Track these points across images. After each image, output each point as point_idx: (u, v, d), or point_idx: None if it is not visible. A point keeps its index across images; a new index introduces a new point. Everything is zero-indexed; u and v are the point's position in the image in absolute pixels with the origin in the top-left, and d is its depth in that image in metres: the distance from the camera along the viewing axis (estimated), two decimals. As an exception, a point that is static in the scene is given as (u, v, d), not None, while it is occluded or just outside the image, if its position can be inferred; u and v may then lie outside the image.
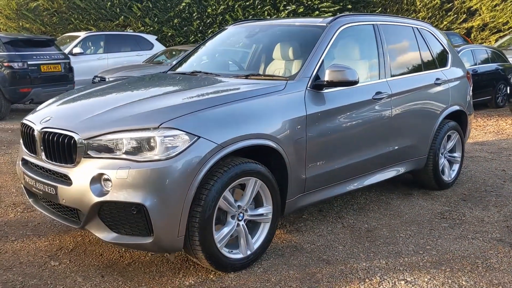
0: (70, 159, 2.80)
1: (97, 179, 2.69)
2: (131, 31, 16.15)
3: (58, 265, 3.14)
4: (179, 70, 4.31)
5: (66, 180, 2.82)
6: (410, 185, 4.94)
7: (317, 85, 3.43)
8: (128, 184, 2.61)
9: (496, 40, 16.32)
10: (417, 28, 4.72)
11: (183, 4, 16.72)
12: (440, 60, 4.87)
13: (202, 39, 16.89)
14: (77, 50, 11.70)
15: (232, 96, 3.09)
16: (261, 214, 3.14)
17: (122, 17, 16.85)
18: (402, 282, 2.94)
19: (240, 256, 3.03)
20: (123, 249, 3.34)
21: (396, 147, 4.17)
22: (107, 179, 2.66)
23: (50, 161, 2.93)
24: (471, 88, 5.33)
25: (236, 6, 16.68)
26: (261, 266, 3.14)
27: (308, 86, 3.40)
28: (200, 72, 3.99)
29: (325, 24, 3.80)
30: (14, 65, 8.78)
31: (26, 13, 16.42)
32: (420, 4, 17.23)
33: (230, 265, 2.98)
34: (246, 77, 3.65)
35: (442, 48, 4.99)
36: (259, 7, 16.74)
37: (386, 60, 4.11)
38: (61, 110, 3.23)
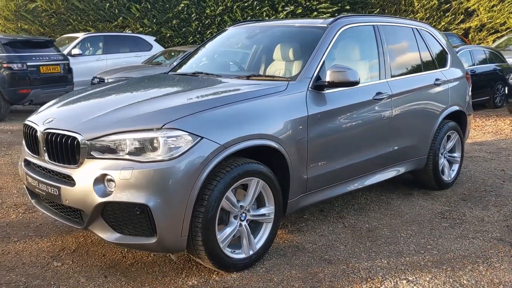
0: (73, 160, 2.81)
1: (101, 180, 2.70)
2: (130, 32, 16.15)
3: (61, 265, 3.15)
4: (181, 71, 4.33)
5: (69, 180, 2.83)
6: (410, 185, 4.96)
7: (318, 86, 3.45)
8: (131, 184, 2.63)
9: (494, 41, 16.37)
10: (416, 28, 4.74)
11: (182, 5, 16.73)
12: (439, 61, 4.90)
13: (201, 40, 16.91)
14: (76, 51, 11.70)
15: (234, 97, 3.10)
16: (263, 214, 3.16)
17: (121, 18, 16.85)
18: (404, 282, 2.96)
19: (242, 256, 3.04)
20: (126, 250, 3.36)
21: (397, 147, 4.19)
22: (111, 180, 2.67)
23: (53, 162, 2.94)
24: (470, 88, 5.35)
25: (234, 7, 16.70)
26: (264, 266, 3.16)
27: (310, 86, 3.41)
28: (201, 73, 4.00)
29: (326, 25, 3.82)
30: (14, 66, 8.78)
31: (24, 14, 16.41)
32: (418, 5, 17.28)
33: (232, 265, 3.00)
34: (248, 77, 3.67)
35: (442, 48, 5.02)
36: (257, 8, 16.76)
37: (386, 60, 4.13)
38: (64, 111, 3.25)
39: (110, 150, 2.73)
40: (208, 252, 2.83)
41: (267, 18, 16.36)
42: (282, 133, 3.15)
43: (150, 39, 13.72)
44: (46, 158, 2.99)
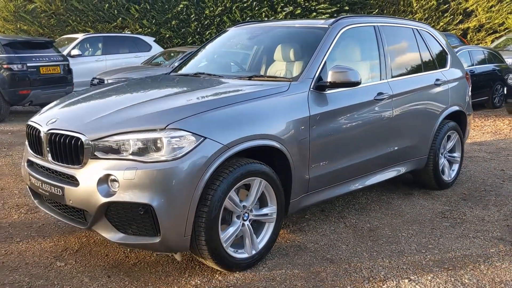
0: (77, 160, 2.83)
1: (104, 180, 2.71)
2: (129, 32, 16.16)
3: (64, 265, 3.16)
4: (182, 71, 4.34)
5: (73, 181, 2.84)
6: (411, 185, 4.98)
7: (320, 86, 3.47)
8: (135, 184, 2.64)
9: (492, 41, 16.42)
10: (417, 29, 4.76)
11: (181, 5, 16.75)
12: (439, 61, 4.92)
13: (200, 40, 16.93)
14: (75, 52, 11.71)
15: (236, 97, 3.12)
16: (266, 214, 3.17)
17: (120, 18, 16.87)
18: (406, 281, 2.98)
19: (245, 255, 3.06)
20: (128, 250, 3.37)
21: (397, 148, 4.21)
22: (114, 180, 2.69)
23: (57, 162, 2.96)
24: (470, 88, 5.38)
25: (233, 8, 16.72)
26: (266, 265, 3.17)
27: (311, 87, 3.43)
28: (203, 73, 4.02)
29: (327, 26, 3.83)
30: (14, 67, 8.79)
31: (23, 15, 16.41)
32: (416, 6, 17.32)
33: (235, 265, 3.01)
34: (250, 78, 3.69)
35: (442, 49, 5.04)
36: (256, 8, 16.78)
37: (387, 61, 4.15)
38: (67, 111, 3.26)
39: (114, 151, 2.74)
40: (211, 252, 2.84)
41: (266, 18, 16.39)
42: (284, 133, 3.17)
43: (150, 39, 13.74)
44: (50, 158, 3.00)
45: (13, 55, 8.88)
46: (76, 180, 2.81)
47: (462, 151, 5.13)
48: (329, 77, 3.41)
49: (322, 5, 16.66)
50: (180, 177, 2.65)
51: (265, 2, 16.75)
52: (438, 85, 4.68)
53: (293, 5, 16.74)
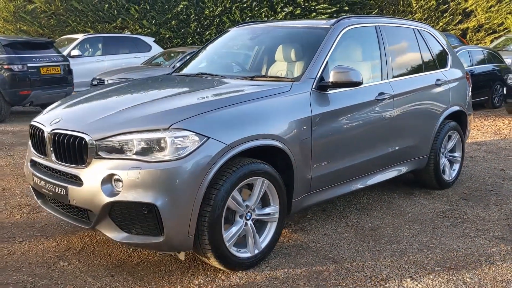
0: (81, 160, 2.84)
1: (108, 180, 2.72)
2: (129, 33, 16.17)
3: (67, 265, 3.17)
4: (184, 72, 4.35)
5: (76, 180, 2.85)
6: (411, 185, 5.00)
7: (322, 86, 3.48)
8: (139, 184, 2.65)
9: (492, 41, 16.45)
10: (417, 29, 4.78)
11: (181, 6, 16.76)
12: (440, 61, 4.94)
13: (200, 40, 16.94)
14: (75, 52, 11.73)
15: (239, 98, 3.13)
16: (268, 214, 3.18)
17: (120, 19, 16.87)
18: (408, 280, 2.99)
19: (248, 255, 3.07)
20: (131, 249, 3.38)
21: (398, 147, 4.23)
22: (118, 180, 2.70)
23: (60, 162, 2.97)
24: (470, 88, 5.40)
25: (233, 8, 16.74)
26: (269, 264, 3.19)
27: (313, 87, 3.45)
28: (205, 73, 4.03)
29: (328, 26, 3.85)
30: (14, 67, 8.80)
31: (23, 16, 16.42)
32: (416, 6, 17.35)
33: (238, 264, 3.02)
34: (252, 78, 3.70)
35: (442, 49, 5.06)
36: (256, 8, 16.80)
37: (388, 61, 4.17)
38: (71, 111, 3.27)
39: (118, 150, 2.75)
40: (214, 251, 2.85)
41: (266, 19, 16.40)
42: (287, 133, 3.18)
43: (149, 40, 13.76)
44: (53, 158, 3.01)
45: (13, 55, 8.89)
46: (80, 180, 2.82)
47: (463, 151, 5.15)
48: (331, 77, 3.42)
49: (322, 5, 16.68)
50: (183, 176, 2.67)
51: (264, 3, 16.77)
52: (439, 85, 4.70)
53: (292, 5, 16.76)
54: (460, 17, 17.32)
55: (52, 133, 2.99)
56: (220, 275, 3.03)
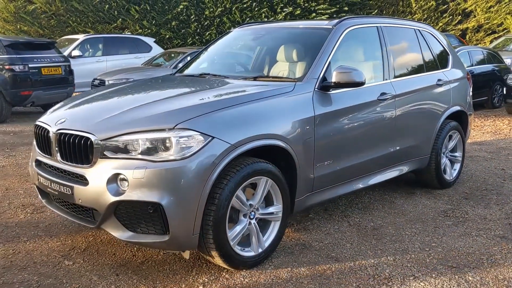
0: (86, 160, 2.86)
1: (114, 179, 2.75)
2: (129, 33, 16.20)
3: (72, 264, 3.19)
4: (187, 72, 4.38)
5: (82, 180, 2.88)
6: (413, 184, 5.02)
7: (324, 86, 3.51)
8: (144, 183, 2.67)
9: (491, 42, 16.49)
10: (419, 30, 4.81)
11: (181, 6, 16.79)
12: (441, 61, 4.97)
13: (200, 41, 16.97)
14: (76, 52, 11.76)
15: (243, 98, 3.16)
16: (272, 213, 3.21)
17: (120, 19, 16.90)
18: (411, 278, 3.02)
19: (251, 254, 3.09)
20: (136, 248, 3.40)
21: (400, 147, 4.25)
22: (124, 179, 2.72)
23: (66, 162, 2.99)
24: (471, 88, 5.43)
25: (233, 9, 16.77)
26: (272, 263, 3.21)
27: (316, 87, 3.47)
28: (208, 74, 4.06)
29: (331, 27, 3.88)
30: (15, 68, 8.82)
31: (24, 16, 16.44)
32: (415, 6, 17.39)
33: (242, 263, 3.05)
34: (254, 78, 3.73)
35: (443, 49, 5.09)
36: (256, 9, 16.83)
37: (389, 61, 4.20)
38: (76, 112, 3.29)
39: (123, 150, 2.77)
40: (218, 250, 2.88)
41: (266, 19, 16.43)
42: (290, 133, 3.21)
43: (150, 40, 13.79)
44: (59, 158, 3.04)
45: (15, 56, 8.91)
46: (86, 179, 2.84)
47: (464, 151, 5.18)
48: (334, 78, 3.45)
49: (322, 5, 16.72)
50: (188, 176, 2.69)
51: (264, 3, 16.80)
52: (440, 85, 4.73)
53: (292, 5, 16.80)
54: (459, 17, 17.37)
55: (58, 133, 3.01)
56: (224, 273, 3.05)
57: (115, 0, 16.81)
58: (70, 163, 2.96)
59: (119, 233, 2.82)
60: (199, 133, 2.75)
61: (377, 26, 4.23)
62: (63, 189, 2.96)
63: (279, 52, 4.03)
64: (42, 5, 16.56)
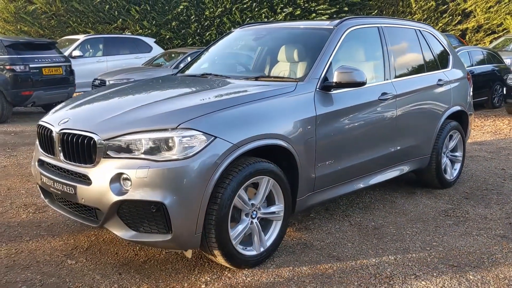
0: (89, 159, 2.87)
1: (117, 179, 2.76)
2: (129, 34, 16.21)
3: (75, 263, 3.21)
4: (189, 72, 4.40)
5: (85, 180, 2.89)
6: (413, 184, 5.04)
7: (326, 86, 3.53)
8: (147, 183, 2.69)
9: (491, 42, 16.52)
10: (419, 30, 4.83)
11: (181, 7, 16.81)
12: (441, 62, 4.99)
13: (200, 41, 16.99)
14: (76, 53, 11.78)
15: (245, 98, 3.17)
16: (273, 212, 3.22)
17: (120, 20, 16.92)
18: (412, 277, 3.03)
19: (253, 253, 3.11)
20: (138, 248, 3.42)
21: (401, 147, 4.27)
22: (127, 179, 2.74)
23: (69, 162, 3.00)
24: (472, 88, 5.45)
25: (233, 9, 16.79)
26: (274, 262, 3.23)
27: (317, 87, 3.49)
28: (210, 74, 4.07)
29: (332, 27, 3.89)
30: (16, 68, 8.84)
31: (24, 16, 16.45)
32: (415, 6, 17.41)
33: (244, 262, 3.06)
34: (256, 78, 3.74)
35: (443, 49, 5.11)
36: (256, 9, 16.85)
37: (390, 61, 4.21)
38: (79, 111, 3.31)
39: (126, 150, 2.79)
40: (221, 249, 2.89)
41: (266, 19, 16.45)
42: (292, 133, 3.23)
43: (150, 40, 13.80)
44: (62, 158, 3.05)
45: (15, 56, 8.93)
46: (89, 179, 2.85)
47: (464, 151, 5.20)
48: (335, 78, 3.46)
49: (322, 6, 16.73)
50: (191, 175, 2.71)
51: (265, 3, 16.82)
52: (441, 85, 4.75)
53: (292, 6, 16.81)
54: (459, 17, 17.40)
55: (61, 133, 3.03)
56: (226, 272, 3.06)
57: (115, 0, 16.84)
58: (73, 163, 2.97)
59: (122, 233, 2.84)
60: (201, 133, 2.77)
61: (378, 26, 4.25)
62: (66, 189, 2.97)
63: (280, 52, 4.05)
64: (42, 5, 16.58)
